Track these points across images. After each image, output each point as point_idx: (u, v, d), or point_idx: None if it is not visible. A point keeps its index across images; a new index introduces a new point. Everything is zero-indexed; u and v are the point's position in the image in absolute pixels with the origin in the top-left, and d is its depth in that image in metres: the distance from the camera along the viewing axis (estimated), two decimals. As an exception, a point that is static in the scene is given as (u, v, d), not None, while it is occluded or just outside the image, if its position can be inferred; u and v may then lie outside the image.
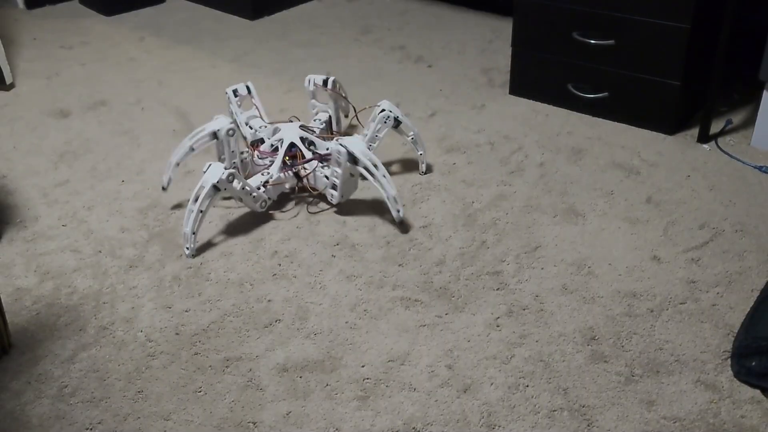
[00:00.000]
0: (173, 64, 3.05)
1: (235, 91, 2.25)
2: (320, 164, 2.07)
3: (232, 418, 1.47)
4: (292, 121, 2.23)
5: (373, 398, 1.51)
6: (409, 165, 2.29)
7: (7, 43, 3.25)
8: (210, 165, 1.88)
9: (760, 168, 2.21)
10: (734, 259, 1.85)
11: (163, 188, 2.10)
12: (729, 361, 1.56)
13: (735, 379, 1.52)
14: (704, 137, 2.34)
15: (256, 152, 2.12)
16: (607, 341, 1.62)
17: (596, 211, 2.04)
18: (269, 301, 1.77)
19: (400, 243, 1.94)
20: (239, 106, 2.27)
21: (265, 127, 2.21)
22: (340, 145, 1.91)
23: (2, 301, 1.65)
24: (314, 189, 2.08)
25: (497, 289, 1.78)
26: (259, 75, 2.93)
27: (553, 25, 2.47)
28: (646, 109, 2.40)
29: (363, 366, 1.58)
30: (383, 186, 1.91)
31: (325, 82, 2.26)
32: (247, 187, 1.94)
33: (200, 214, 1.88)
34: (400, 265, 1.87)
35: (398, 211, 1.94)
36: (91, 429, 1.46)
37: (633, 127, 2.45)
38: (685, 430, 1.42)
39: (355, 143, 1.92)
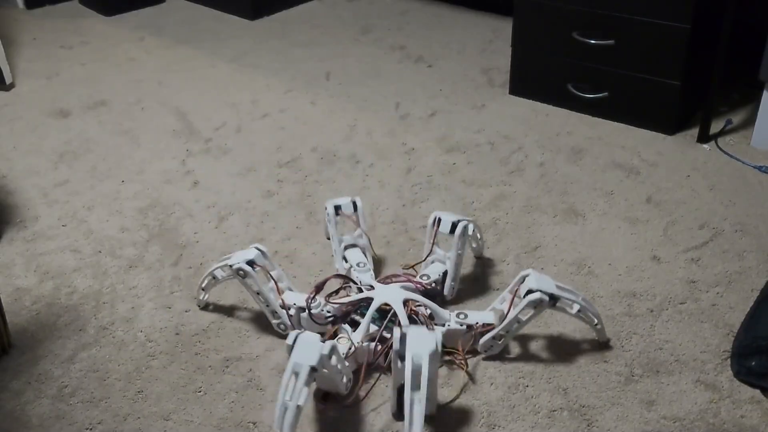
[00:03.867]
0: (173, 64, 3.06)
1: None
2: (454, 313, 1.59)
3: (232, 418, 1.47)
4: (348, 274, 1.71)
5: (373, 398, 1.50)
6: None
7: (7, 43, 3.25)
8: (297, 335, 1.35)
9: (760, 168, 2.21)
10: (734, 259, 1.85)
11: (199, 307, 1.74)
12: (729, 361, 1.56)
13: (735, 379, 1.52)
14: (704, 137, 2.34)
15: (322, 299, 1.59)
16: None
17: (596, 211, 2.04)
18: (269, 301, 1.77)
19: (400, 243, 1.94)
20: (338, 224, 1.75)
21: (365, 265, 1.72)
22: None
23: (2, 301, 1.65)
24: (454, 348, 1.57)
25: (497, 289, 1.78)
26: (259, 75, 2.93)
27: (553, 25, 2.47)
28: (646, 109, 2.40)
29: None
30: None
31: (454, 228, 1.66)
32: (340, 365, 1.41)
33: (298, 410, 1.29)
34: (400, 265, 1.87)
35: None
36: (91, 429, 1.46)
37: (633, 127, 2.45)
38: (685, 430, 1.42)
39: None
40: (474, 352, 1.58)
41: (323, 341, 1.35)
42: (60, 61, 3.12)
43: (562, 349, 1.60)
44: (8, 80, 2.86)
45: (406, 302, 1.55)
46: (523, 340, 1.63)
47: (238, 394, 1.52)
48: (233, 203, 2.13)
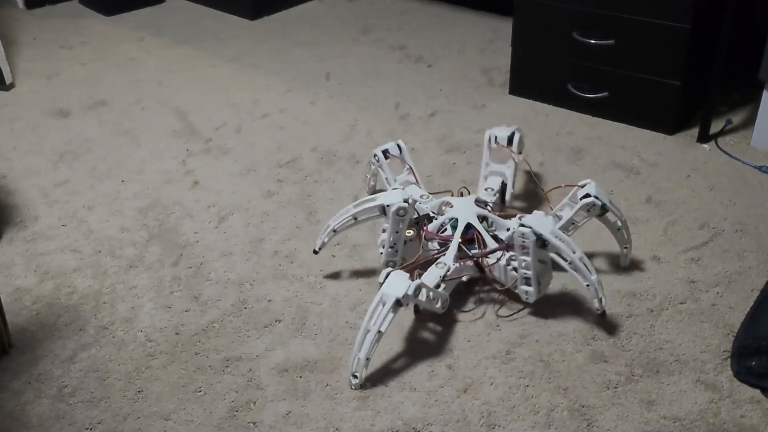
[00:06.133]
0: (173, 64, 3.06)
1: (385, 152, 1.89)
2: (507, 252, 1.67)
3: (232, 418, 1.47)
4: (462, 194, 1.88)
5: (373, 398, 1.51)
6: (607, 257, 1.87)
7: (7, 43, 3.25)
8: (389, 273, 1.53)
9: (760, 168, 2.21)
10: (734, 259, 1.85)
11: (315, 251, 1.79)
12: (729, 361, 1.56)
13: (735, 379, 1.52)
14: (704, 137, 2.34)
15: (422, 232, 1.75)
16: (607, 341, 1.62)
17: (596, 211, 2.04)
18: (269, 301, 1.77)
19: (400, 243, 1.94)
20: (390, 170, 1.92)
21: (428, 197, 1.85)
22: (523, 225, 1.55)
23: (2, 301, 1.65)
24: (500, 284, 1.71)
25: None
26: (259, 75, 2.93)
27: (553, 25, 2.47)
28: (646, 109, 2.40)
29: (363, 366, 1.58)
30: (581, 272, 1.56)
31: (510, 140, 1.91)
32: (431, 294, 1.58)
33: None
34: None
35: (601, 300, 1.58)
36: (91, 429, 1.46)
37: (633, 127, 2.45)
38: (685, 430, 1.42)
39: (541, 221, 1.57)
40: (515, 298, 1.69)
41: (414, 281, 1.51)
42: (60, 61, 3.12)
43: (563, 349, 1.60)
44: (8, 80, 2.86)
45: (480, 217, 1.74)
46: (523, 339, 1.63)
47: (238, 394, 1.52)
48: (233, 203, 2.13)
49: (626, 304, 1.72)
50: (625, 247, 1.79)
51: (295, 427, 1.45)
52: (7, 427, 1.46)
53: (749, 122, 2.42)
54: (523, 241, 1.56)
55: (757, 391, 1.49)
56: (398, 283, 1.50)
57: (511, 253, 1.64)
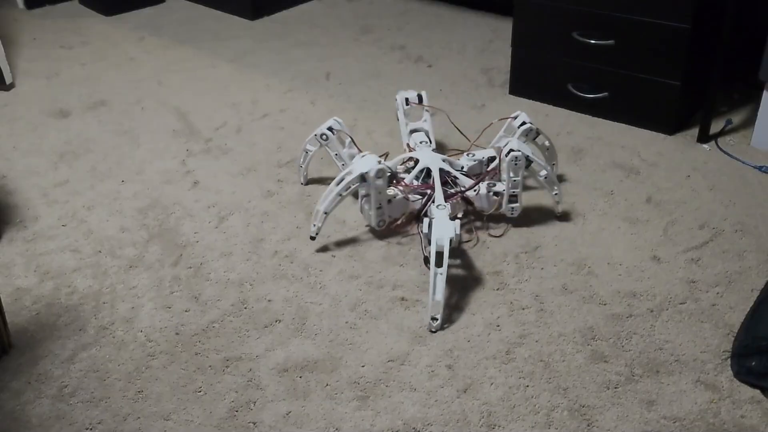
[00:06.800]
0: (173, 64, 3.06)
1: (330, 129, 2.07)
2: (485, 183, 1.94)
3: (232, 418, 1.47)
4: (413, 149, 2.10)
5: (373, 398, 1.51)
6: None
7: (7, 43, 3.25)
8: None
9: (760, 168, 2.21)
10: (734, 259, 1.85)
11: (312, 237, 1.92)
12: (729, 361, 1.56)
13: (735, 379, 1.52)
14: (704, 137, 2.34)
15: (399, 188, 1.93)
16: (607, 341, 1.62)
17: (596, 211, 2.04)
18: (269, 301, 1.77)
19: (400, 243, 1.94)
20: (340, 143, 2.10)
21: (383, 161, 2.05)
22: (513, 150, 1.81)
23: (2, 301, 1.65)
24: (483, 211, 1.96)
25: (497, 289, 1.78)
26: (259, 75, 2.93)
27: (553, 25, 2.47)
28: (646, 109, 2.40)
29: (363, 366, 1.58)
30: (551, 183, 1.92)
31: (420, 98, 2.19)
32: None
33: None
34: (400, 265, 1.87)
35: (558, 204, 1.95)
36: (91, 429, 1.46)
37: (633, 127, 2.45)
38: (685, 430, 1.42)
39: (523, 147, 1.86)
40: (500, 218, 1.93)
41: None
42: (60, 61, 3.12)
43: (563, 349, 1.60)
44: (8, 80, 2.86)
45: (442, 169, 1.96)
46: (523, 339, 1.63)
47: (238, 394, 1.52)
48: (233, 203, 2.13)
49: (626, 304, 1.72)
50: (555, 194, 1.97)
51: (295, 427, 1.45)
52: (7, 427, 1.47)
53: (749, 122, 2.42)
54: (516, 163, 1.81)
55: (757, 391, 1.49)
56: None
57: (488, 182, 1.92)
